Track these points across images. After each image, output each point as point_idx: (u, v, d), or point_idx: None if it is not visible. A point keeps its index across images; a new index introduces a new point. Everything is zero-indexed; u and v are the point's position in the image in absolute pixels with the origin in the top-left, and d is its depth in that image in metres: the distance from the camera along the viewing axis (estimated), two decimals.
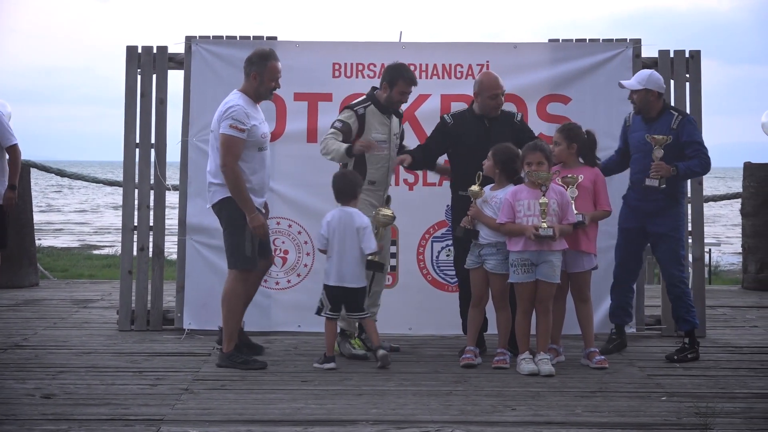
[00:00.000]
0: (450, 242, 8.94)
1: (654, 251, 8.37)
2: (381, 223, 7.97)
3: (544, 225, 7.45)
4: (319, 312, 7.85)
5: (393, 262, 8.85)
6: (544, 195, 7.51)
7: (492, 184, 7.82)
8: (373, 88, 8.28)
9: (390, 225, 8.11)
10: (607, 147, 8.93)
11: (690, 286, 9.09)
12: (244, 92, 7.83)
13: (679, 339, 8.85)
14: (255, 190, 7.73)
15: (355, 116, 8.13)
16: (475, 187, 7.74)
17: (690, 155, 8.09)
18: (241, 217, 7.66)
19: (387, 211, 8.03)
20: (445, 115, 8.30)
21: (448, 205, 8.82)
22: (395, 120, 8.24)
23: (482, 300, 7.87)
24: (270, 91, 7.91)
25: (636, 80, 8.25)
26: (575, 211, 7.69)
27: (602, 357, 7.81)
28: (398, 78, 8.10)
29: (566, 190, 7.74)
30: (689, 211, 9.17)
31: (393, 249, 8.77)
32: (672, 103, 9.16)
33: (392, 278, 8.86)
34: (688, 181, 8.77)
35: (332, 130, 8.10)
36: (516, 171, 7.75)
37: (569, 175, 7.80)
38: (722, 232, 32.35)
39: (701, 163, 8.12)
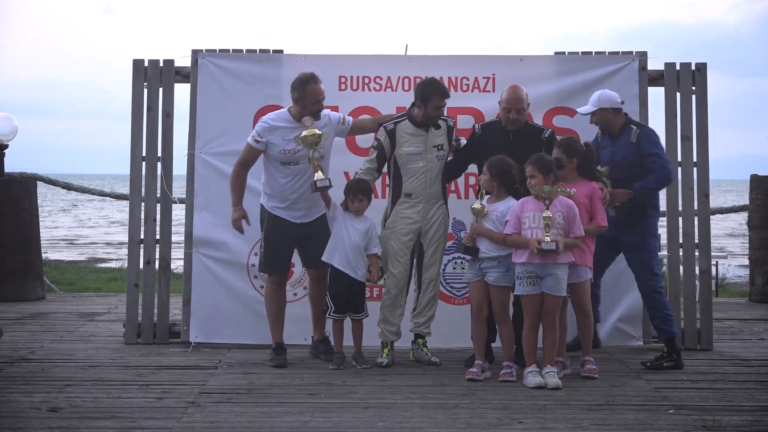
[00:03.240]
0: (457, 255, 8.94)
1: (627, 262, 8.49)
2: (308, 143, 8.08)
3: (548, 239, 7.45)
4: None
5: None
6: (547, 208, 7.51)
7: (489, 196, 7.83)
8: (412, 104, 8.37)
9: (318, 143, 8.09)
10: None
11: (697, 299, 9.12)
12: (289, 111, 8.35)
13: (685, 351, 8.87)
14: (278, 197, 8.31)
15: (385, 132, 8.32)
16: (477, 205, 7.76)
17: (648, 167, 8.26)
18: (263, 225, 8.38)
19: (309, 132, 8.10)
20: (476, 125, 8.49)
21: (455, 218, 8.82)
22: (434, 132, 8.30)
23: (482, 312, 7.86)
24: (314, 113, 8.24)
25: (590, 104, 8.45)
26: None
27: (593, 367, 7.86)
28: (431, 94, 8.20)
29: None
30: (695, 224, 9.16)
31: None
32: (678, 116, 9.19)
33: None
34: (666, 194, 8.88)
35: (371, 151, 8.43)
36: (513, 181, 7.78)
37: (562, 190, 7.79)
38: (729, 245, 32.29)
39: (658, 176, 8.27)
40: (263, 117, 8.42)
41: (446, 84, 9.03)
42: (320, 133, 8.09)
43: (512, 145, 8.05)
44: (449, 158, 8.44)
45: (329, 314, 8.27)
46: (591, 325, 8.02)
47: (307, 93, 8.22)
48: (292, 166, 8.26)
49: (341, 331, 8.31)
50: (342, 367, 8.11)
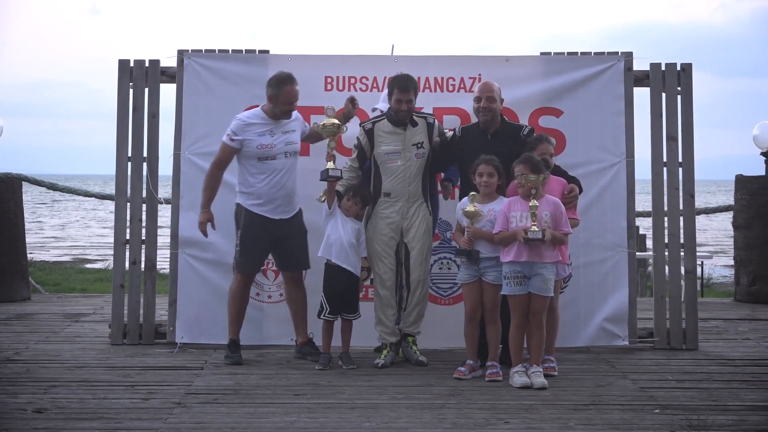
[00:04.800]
0: (443, 256, 8.93)
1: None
2: (328, 132, 8.14)
3: (534, 228, 7.46)
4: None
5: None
6: (534, 197, 7.52)
7: (476, 196, 7.82)
8: None
9: (337, 133, 8.19)
10: (600, 160, 9.00)
11: (682, 299, 9.16)
12: (263, 109, 8.40)
13: (671, 351, 8.91)
14: (255, 195, 8.32)
15: (363, 132, 8.33)
16: (471, 207, 7.75)
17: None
18: (239, 224, 8.39)
19: (329, 121, 8.17)
20: (457, 128, 8.48)
21: (440, 219, 8.82)
22: (413, 130, 8.28)
23: (476, 314, 7.87)
24: (285, 113, 8.36)
25: (384, 101, 8.58)
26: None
27: (552, 365, 7.90)
28: (392, 86, 8.21)
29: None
30: (681, 224, 9.18)
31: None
32: (663, 117, 9.21)
33: None
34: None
35: (352, 150, 8.45)
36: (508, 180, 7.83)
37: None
38: (714, 245, 32.39)
39: None
40: (237, 115, 8.47)
41: (432, 84, 9.06)
42: (339, 123, 8.15)
43: (491, 145, 8.06)
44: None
45: (323, 315, 8.22)
46: (557, 322, 8.09)
47: (281, 92, 8.30)
48: (269, 161, 8.31)
49: (331, 331, 8.28)
50: (328, 368, 8.11)
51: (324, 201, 8.22)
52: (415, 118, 8.31)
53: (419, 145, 8.27)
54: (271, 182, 8.32)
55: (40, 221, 46.58)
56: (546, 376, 7.63)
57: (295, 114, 8.50)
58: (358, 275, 8.24)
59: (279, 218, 8.37)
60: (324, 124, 8.13)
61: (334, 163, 8.11)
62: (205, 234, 8.50)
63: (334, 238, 8.17)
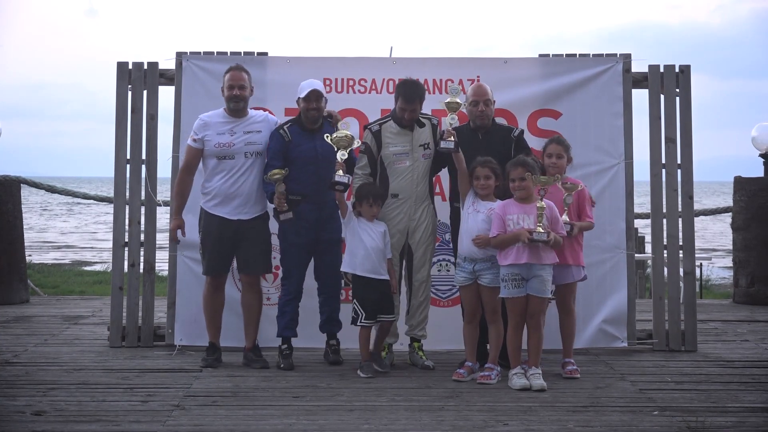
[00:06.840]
0: (442, 258, 8.93)
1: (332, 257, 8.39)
2: (341, 144, 8.06)
3: (540, 229, 7.46)
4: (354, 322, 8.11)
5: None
6: (541, 199, 7.52)
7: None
8: None
9: (350, 145, 8.09)
10: (598, 162, 9.00)
11: (681, 301, 9.16)
12: (224, 108, 8.43)
13: (670, 352, 8.91)
14: (212, 195, 8.35)
15: (370, 134, 8.32)
16: (450, 99, 7.98)
17: None
18: (200, 226, 8.46)
19: (341, 133, 8.10)
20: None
21: (438, 221, 8.82)
22: (419, 131, 8.28)
23: (475, 316, 7.88)
24: (229, 100, 8.35)
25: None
26: (567, 220, 7.74)
27: (574, 368, 7.91)
28: (398, 95, 8.23)
29: (564, 195, 7.80)
30: (680, 225, 9.18)
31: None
32: (662, 118, 9.21)
33: None
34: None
35: (359, 156, 8.34)
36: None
37: (569, 183, 7.82)
38: (712, 245, 32.39)
39: None
40: (200, 116, 8.50)
41: (431, 86, 9.05)
42: (352, 135, 8.10)
43: (482, 146, 8.09)
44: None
45: (360, 321, 8.05)
46: (573, 324, 8.06)
47: (224, 81, 8.35)
48: (228, 160, 8.29)
49: (368, 338, 8.13)
50: (372, 375, 7.94)
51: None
52: (421, 118, 8.31)
53: (426, 146, 8.27)
54: (229, 181, 8.29)
55: (38, 223, 46.56)
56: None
57: (264, 115, 8.49)
58: (386, 278, 8.12)
59: (237, 219, 8.32)
60: (336, 136, 8.06)
61: (343, 171, 8.03)
62: (177, 240, 8.64)
63: (357, 249, 8.05)
